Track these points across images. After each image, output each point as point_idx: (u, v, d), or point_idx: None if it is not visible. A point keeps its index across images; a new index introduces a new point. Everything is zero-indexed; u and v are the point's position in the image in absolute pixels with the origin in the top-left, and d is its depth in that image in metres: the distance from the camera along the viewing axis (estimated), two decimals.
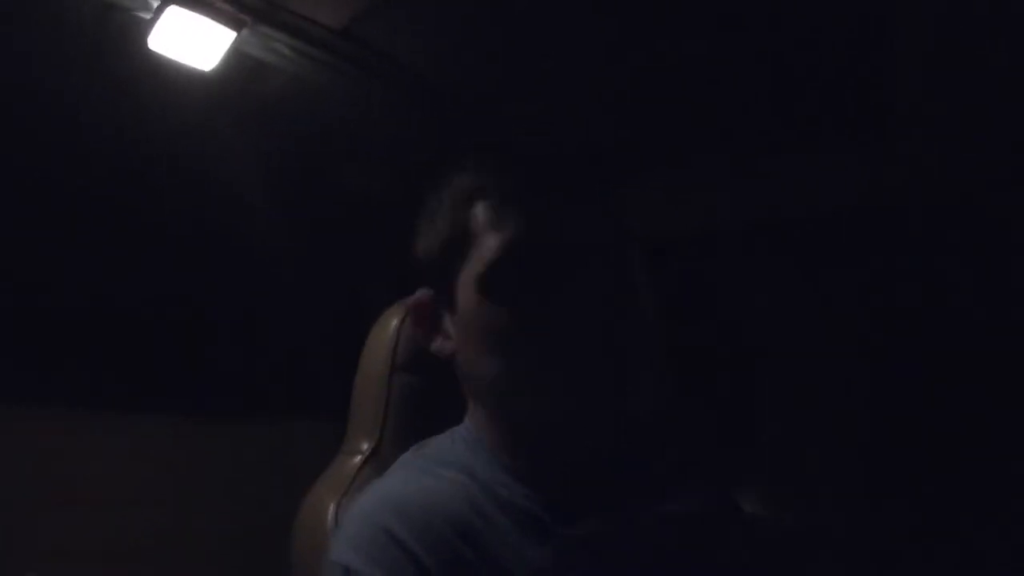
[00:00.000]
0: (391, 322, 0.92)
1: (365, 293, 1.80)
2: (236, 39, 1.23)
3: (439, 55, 1.39)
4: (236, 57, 1.28)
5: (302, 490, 0.91)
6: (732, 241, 1.53)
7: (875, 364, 1.31)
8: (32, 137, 1.45)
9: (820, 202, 1.39)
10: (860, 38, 1.17)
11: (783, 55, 1.24)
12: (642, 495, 0.72)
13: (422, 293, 0.73)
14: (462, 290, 0.67)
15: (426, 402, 0.90)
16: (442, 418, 0.77)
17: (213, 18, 1.20)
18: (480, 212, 0.68)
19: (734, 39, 1.22)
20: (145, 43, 1.25)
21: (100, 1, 1.22)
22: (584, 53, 1.33)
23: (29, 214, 1.52)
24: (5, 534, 1.42)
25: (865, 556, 1.10)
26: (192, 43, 1.24)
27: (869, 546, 1.09)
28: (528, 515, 0.65)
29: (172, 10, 1.19)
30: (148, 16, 1.21)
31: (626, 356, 0.66)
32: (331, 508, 0.82)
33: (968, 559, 1.06)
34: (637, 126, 1.51)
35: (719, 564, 0.70)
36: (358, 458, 0.88)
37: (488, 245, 0.66)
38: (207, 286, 1.81)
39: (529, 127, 1.50)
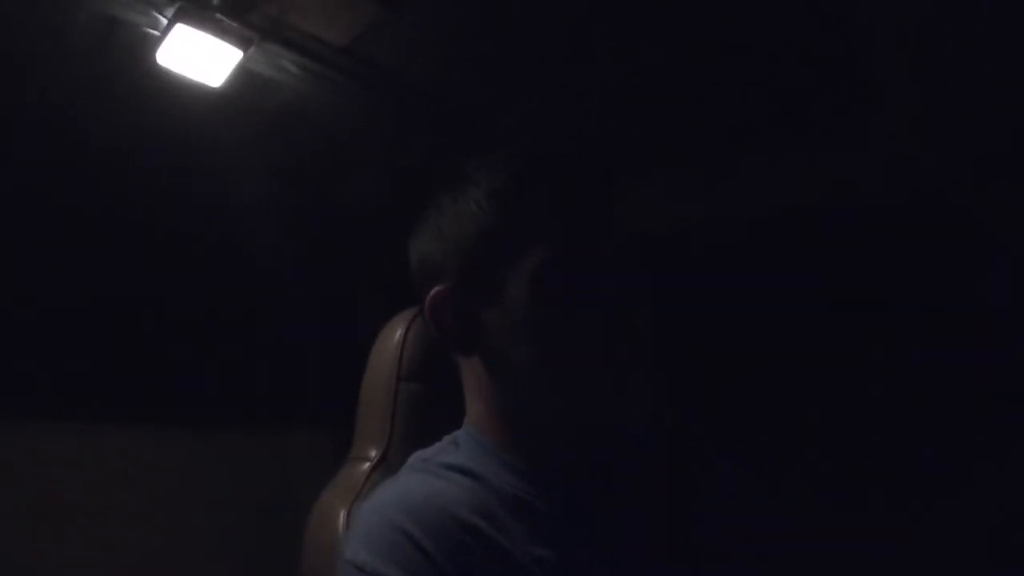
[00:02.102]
0: (396, 332, 0.94)
1: (363, 304, 1.82)
2: (243, 57, 1.26)
3: (439, 69, 1.42)
4: (243, 74, 1.31)
5: (300, 497, 0.92)
6: (715, 238, 1.56)
7: (869, 360, 1.32)
8: (42, 151, 1.47)
9: (808, 198, 1.40)
10: (844, 36, 1.20)
11: (770, 55, 1.27)
12: (642, 490, 0.74)
13: (439, 289, 0.71)
14: (513, 283, 0.67)
15: (431, 409, 0.92)
16: (447, 425, 0.79)
17: (220, 36, 1.23)
18: (538, 207, 0.68)
19: (719, 40, 1.26)
20: (154, 58, 1.28)
21: (109, 17, 1.24)
22: (579, 61, 1.36)
23: (35, 229, 1.54)
24: (6, 545, 1.43)
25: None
26: (200, 60, 1.27)
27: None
28: (533, 511, 0.66)
29: (179, 28, 1.22)
30: (157, 33, 1.24)
31: (647, 359, 0.69)
32: (341, 515, 0.84)
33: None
34: (628, 130, 1.53)
35: (716, 557, 0.72)
36: (366, 465, 0.90)
37: (550, 242, 0.66)
38: (204, 298, 1.82)
39: (529, 135, 1.53)
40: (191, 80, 1.31)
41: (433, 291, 0.71)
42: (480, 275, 0.69)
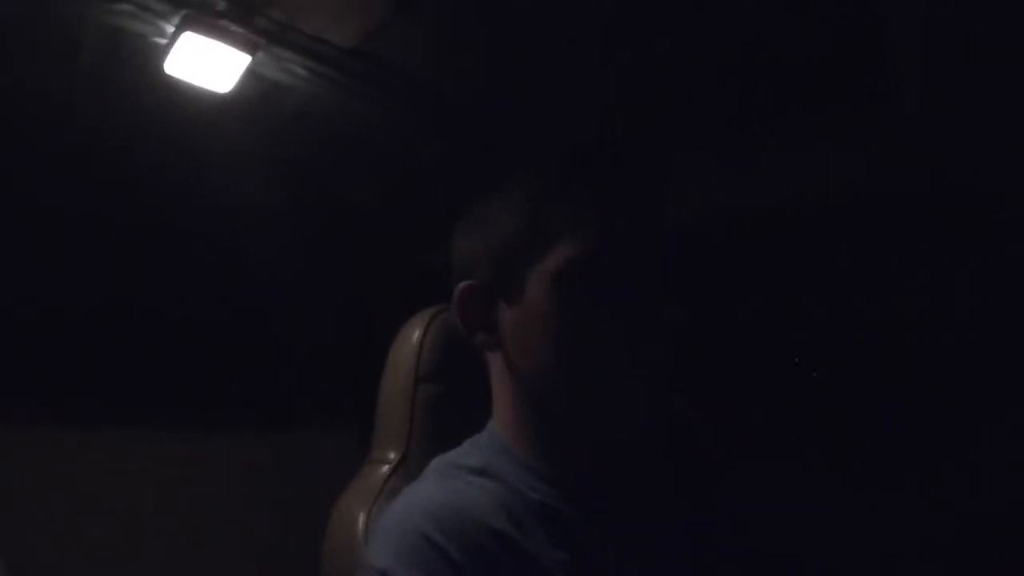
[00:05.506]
0: (414, 333, 0.93)
1: (380, 304, 1.82)
2: (251, 62, 1.25)
3: (448, 70, 1.41)
4: (251, 79, 1.31)
5: (322, 498, 0.92)
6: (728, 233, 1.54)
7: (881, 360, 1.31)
8: (54, 162, 1.48)
9: (814, 194, 1.39)
10: (859, 28, 1.18)
11: (782, 45, 1.25)
12: (663, 493, 0.73)
13: (467, 284, 0.72)
14: (534, 283, 0.68)
15: (450, 411, 0.91)
16: (466, 426, 0.78)
17: (227, 42, 1.22)
18: (563, 209, 0.68)
19: (729, 30, 1.24)
20: (161, 67, 1.28)
21: (114, 28, 1.24)
22: (592, 59, 1.35)
23: (54, 238, 1.55)
24: (23, 550, 1.44)
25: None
26: (208, 67, 1.27)
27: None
28: (558, 515, 0.66)
29: (187, 36, 1.22)
30: (164, 41, 1.24)
31: (669, 364, 0.68)
32: (361, 517, 0.83)
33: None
34: (638, 129, 1.52)
35: (732, 561, 0.71)
36: (386, 467, 0.89)
37: (572, 243, 0.66)
38: (224, 301, 1.83)
39: (540, 136, 1.51)
40: (200, 88, 1.31)
41: (462, 285, 0.72)
42: (506, 273, 0.70)
